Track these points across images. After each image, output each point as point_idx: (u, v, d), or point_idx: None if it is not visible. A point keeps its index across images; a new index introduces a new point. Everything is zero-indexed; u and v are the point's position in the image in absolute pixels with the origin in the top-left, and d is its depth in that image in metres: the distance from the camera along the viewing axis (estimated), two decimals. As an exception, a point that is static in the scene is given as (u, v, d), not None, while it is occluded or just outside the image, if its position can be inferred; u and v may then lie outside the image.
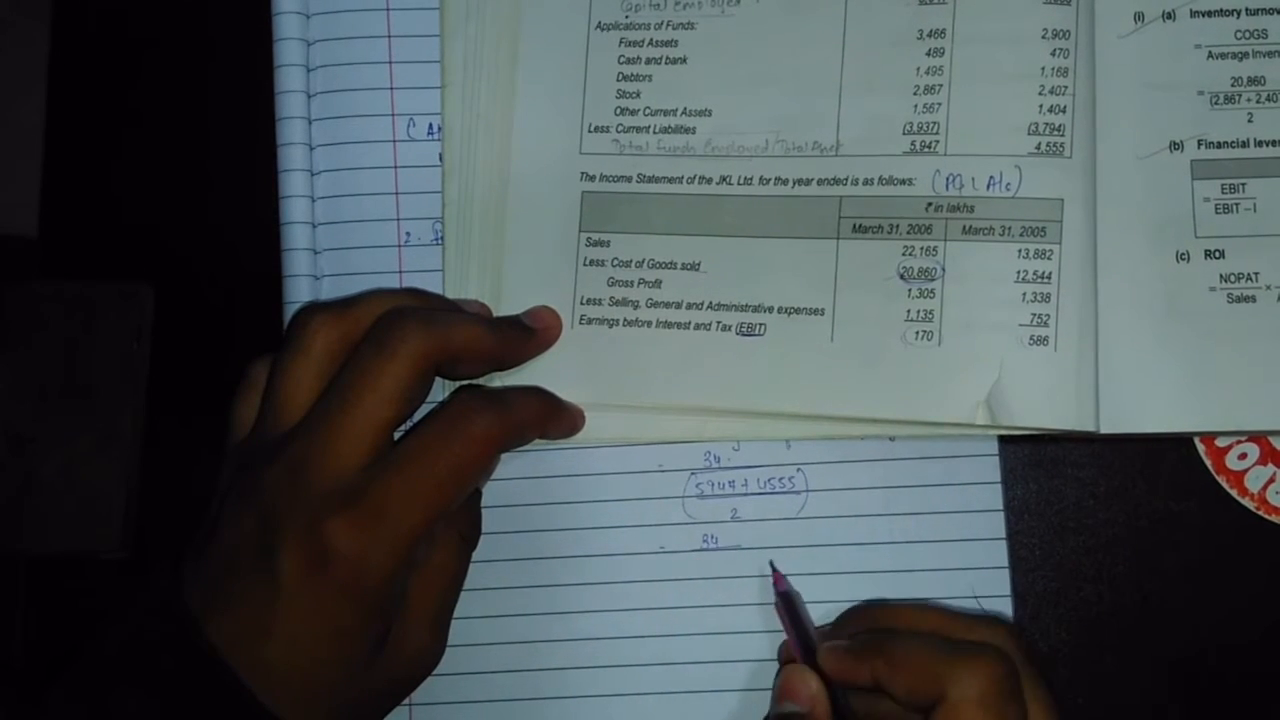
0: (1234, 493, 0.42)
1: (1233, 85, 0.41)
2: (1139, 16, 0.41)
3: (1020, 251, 0.41)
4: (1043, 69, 0.41)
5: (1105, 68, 0.41)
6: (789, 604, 0.40)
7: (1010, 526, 0.42)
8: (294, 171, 0.45)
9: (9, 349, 0.45)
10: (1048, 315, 0.40)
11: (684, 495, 0.43)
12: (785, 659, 0.40)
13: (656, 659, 0.43)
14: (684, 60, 0.44)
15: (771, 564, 0.42)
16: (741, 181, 0.43)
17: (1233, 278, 0.40)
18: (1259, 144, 0.41)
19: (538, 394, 0.42)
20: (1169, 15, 0.41)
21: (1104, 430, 0.40)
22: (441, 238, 0.44)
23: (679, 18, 0.44)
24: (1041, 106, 0.41)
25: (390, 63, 0.45)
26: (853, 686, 0.36)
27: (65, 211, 0.47)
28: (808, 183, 0.43)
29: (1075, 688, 0.42)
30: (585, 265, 0.44)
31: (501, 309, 0.44)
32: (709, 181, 0.43)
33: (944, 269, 0.41)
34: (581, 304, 0.44)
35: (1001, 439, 0.42)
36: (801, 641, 0.38)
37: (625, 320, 0.43)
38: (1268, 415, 0.40)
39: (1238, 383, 0.40)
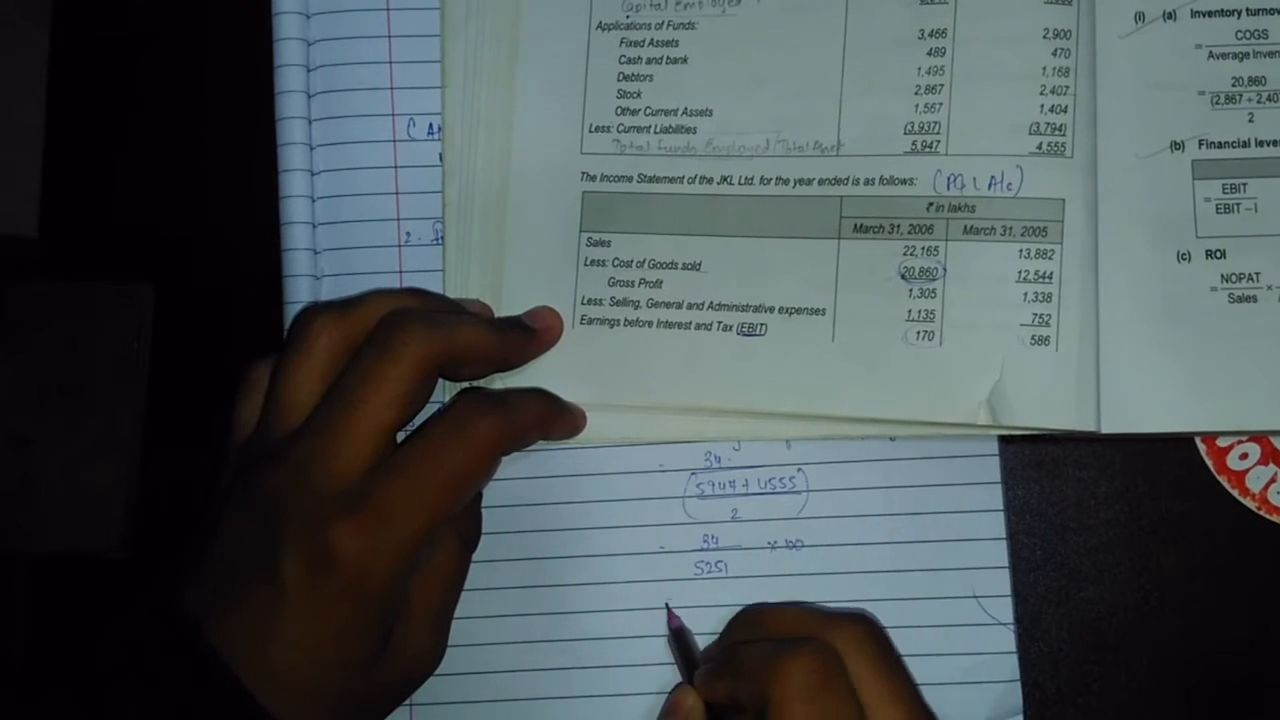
0: (1235, 493, 0.42)
1: (1233, 85, 0.41)
2: (1140, 16, 0.41)
3: (1021, 251, 0.41)
4: (1044, 69, 0.41)
5: (1106, 68, 0.41)
6: (679, 638, 0.42)
7: (1010, 526, 0.42)
8: (294, 171, 0.45)
9: (9, 349, 0.45)
10: (1049, 315, 0.40)
11: (684, 495, 0.43)
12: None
13: (656, 659, 0.43)
14: (684, 60, 0.44)
15: (667, 605, 0.42)
16: (742, 181, 0.43)
17: (1234, 278, 0.40)
18: (1260, 144, 0.41)
19: (540, 396, 0.42)
20: (1170, 15, 0.41)
21: (1105, 430, 0.40)
22: (442, 238, 0.44)
23: (679, 18, 0.44)
24: (1042, 106, 0.41)
25: (390, 63, 0.45)
26: (723, 703, 0.38)
27: (65, 211, 0.47)
28: (809, 183, 0.43)
29: (1075, 688, 0.42)
30: (586, 265, 0.44)
31: (502, 309, 0.44)
32: (710, 181, 0.43)
33: (945, 269, 0.41)
34: (582, 304, 0.44)
35: (1002, 439, 0.42)
36: (688, 667, 0.41)
37: (626, 320, 0.43)
38: (1269, 415, 0.40)
39: (1239, 383, 0.40)
